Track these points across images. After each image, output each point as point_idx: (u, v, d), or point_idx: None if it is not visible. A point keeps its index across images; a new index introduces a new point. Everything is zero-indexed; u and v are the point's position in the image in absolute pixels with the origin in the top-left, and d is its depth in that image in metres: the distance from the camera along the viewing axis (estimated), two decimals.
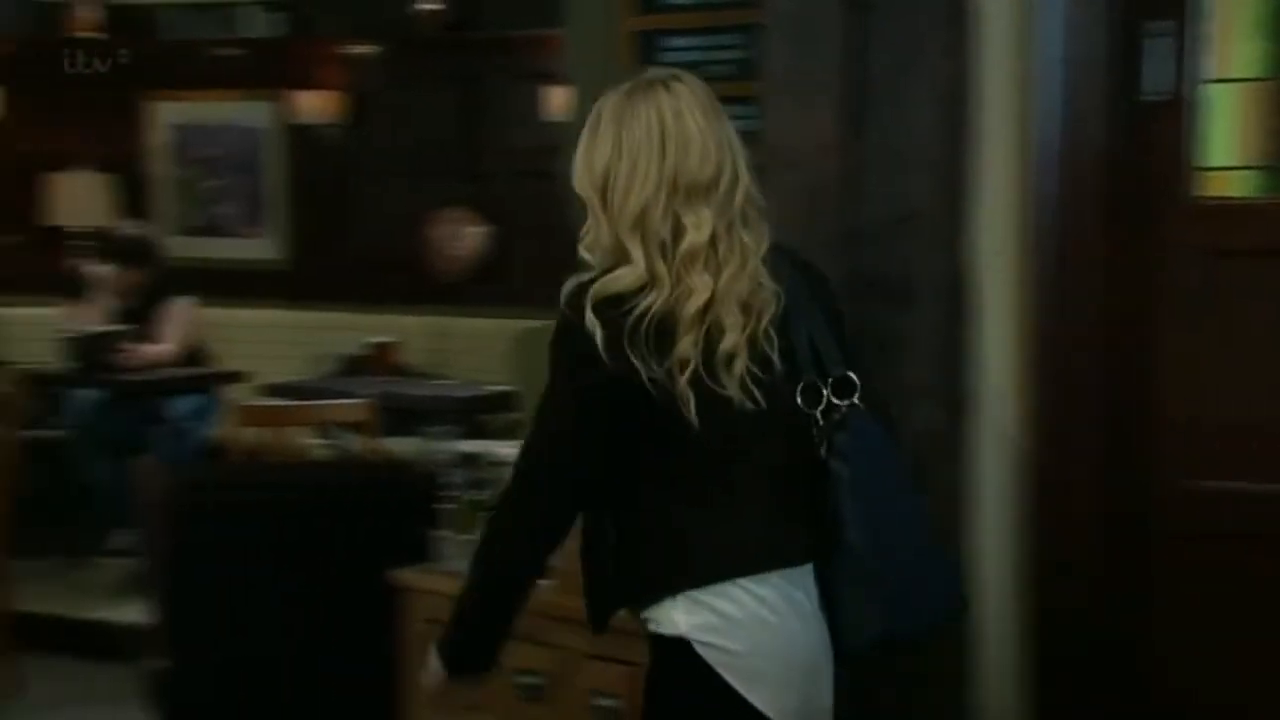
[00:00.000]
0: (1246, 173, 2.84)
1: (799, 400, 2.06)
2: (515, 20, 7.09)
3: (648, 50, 3.36)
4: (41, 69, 7.56)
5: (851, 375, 2.09)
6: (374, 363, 7.07)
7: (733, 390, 2.02)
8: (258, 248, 7.59)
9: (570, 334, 2.03)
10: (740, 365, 2.02)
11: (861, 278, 2.86)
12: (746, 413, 2.02)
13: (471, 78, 7.43)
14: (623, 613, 2.16)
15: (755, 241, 2.06)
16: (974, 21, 2.81)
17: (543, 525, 2.11)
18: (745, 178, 2.06)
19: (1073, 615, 2.87)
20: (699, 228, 2.01)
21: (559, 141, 7.11)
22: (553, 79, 7.10)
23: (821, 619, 2.09)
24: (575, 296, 2.03)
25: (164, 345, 6.17)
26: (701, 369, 2.01)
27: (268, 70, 7.61)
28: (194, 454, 5.93)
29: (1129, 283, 2.86)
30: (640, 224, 2.02)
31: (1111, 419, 2.88)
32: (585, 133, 2.09)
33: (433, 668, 2.25)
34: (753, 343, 2.03)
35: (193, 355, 6.30)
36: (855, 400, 2.07)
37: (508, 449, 3.71)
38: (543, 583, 2.97)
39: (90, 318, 6.16)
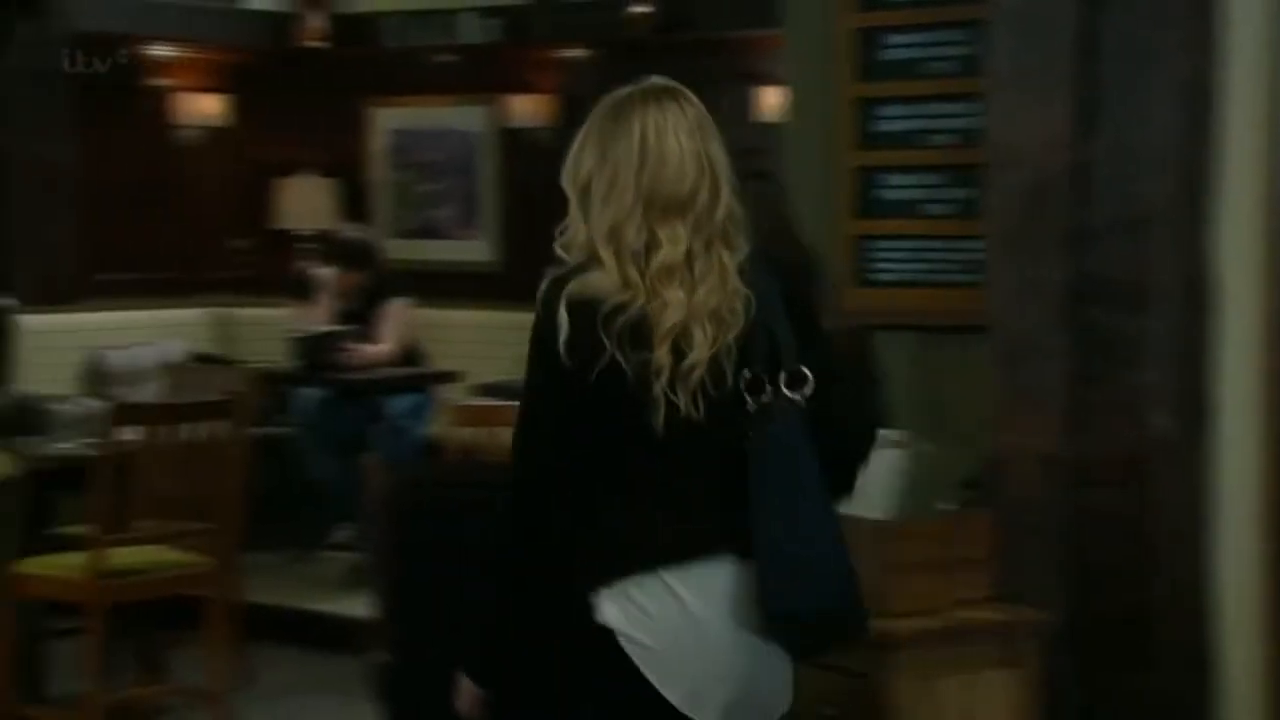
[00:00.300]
0: None
1: (743, 391, 2.11)
2: (727, 21, 7.07)
3: (867, 48, 3.30)
4: (270, 78, 7.86)
5: (804, 370, 2.12)
6: None
7: (682, 400, 2.08)
8: (471, 249, 7.74)
9: (543, 331, 2.10)
10: (696, 378, 2.08)
11: (1089, 279, 2.77)
12: (689, 419, 2.09)
13: (683, 79, 7.38)
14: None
15: (734, 258, 2.11)
16: (1220, 16, 2.68)
17: (538, 523, 2.15)
18: (726, 195, 2.11)
19: None
20: (674, 243, 2.08)
21: (771, 142, 7.11)
22: (764, 79, 7.07)
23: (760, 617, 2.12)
24: (550, 294, 2.09)
25: (383, 345, 6.34)
26: (673, 378, 2.08)
27: (483, 75, 7.76)
28: (411, 452, 6.07)
29: None
30: (615, 235, 2.08)
31: None
32: (580, 133, 2.15)
33: (464, 688, 2.27)
34: (714, 358, 2.09)
35: (409, 355, 6.46)
36: (797, 395, 2.11)
37: None
38: None
39: (315, 318, 6.37)
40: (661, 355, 2.06)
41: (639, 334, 2.07)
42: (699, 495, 2.13)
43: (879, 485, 2.87)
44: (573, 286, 2.08)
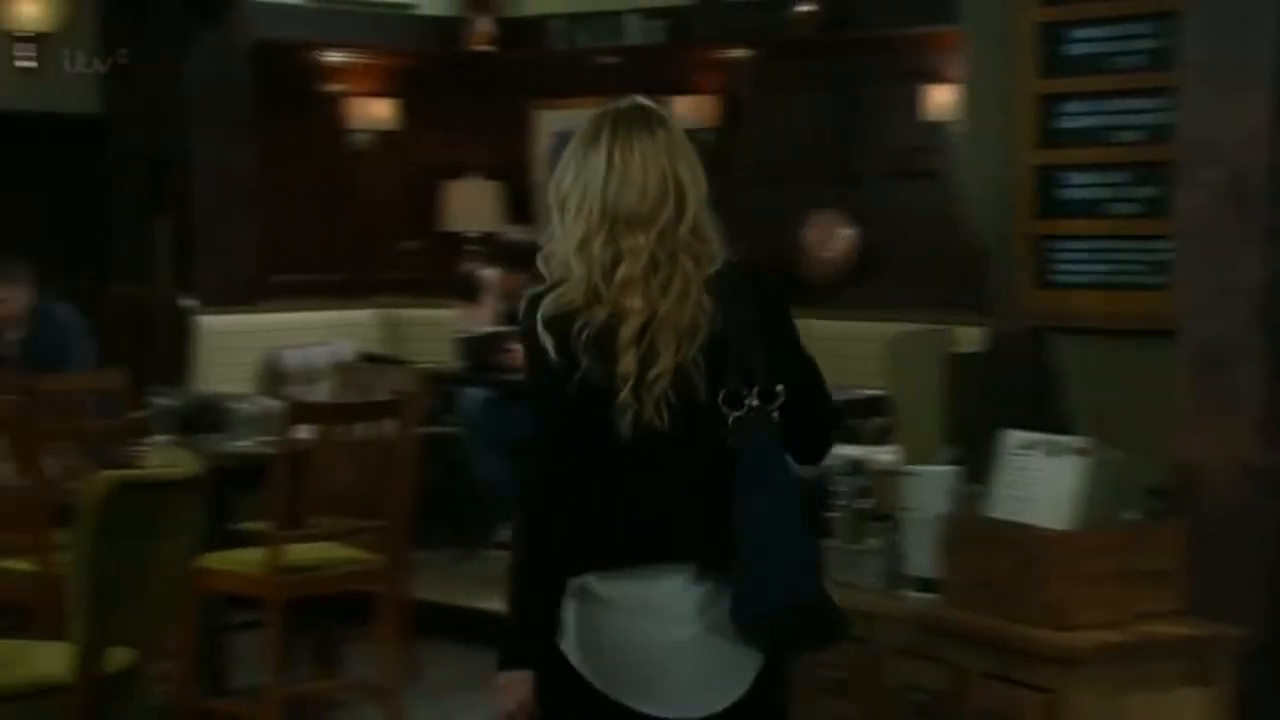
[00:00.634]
0: None
1: (720, 403, 2.21)
2: (893, 19, 6.98)
3: (1051, 42, 3.21)
4: (438, 82, 7.99)
5: (776, 389, 2.22)
6: None
7: (646, 409, 2.20)
8: None
9: (528, 343, 2.26)
10: (660, 388, 2.20)
11: None
12: (652, 428, 2.20)
13: (847, 78, 7.36)
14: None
15: (699, 269, 2.23)
16: None
17: (553, 499, 2.26)
18: (691, 211, 2.24)
19: None
20: (636, 256, 2.21)
21: (939, 141, 7.00)
22: (932, 77, 6.95)
23: (726, 622, 2.20)
24: (529, 310, 2.25)
25: None
26: (637, 386, 2.19)
27: (646, 77, 7.77)
28: None
29: None
30: (583, 248, 2.22)
31: None
32: (566, 150, 2.30)
33: (497, 684, 2.33)
34: (679, 367, 2.20)
35: None
36: (770, 409, 2.21)
37: (888, 455, 3.64)
38: (927, 596, 2.92)
39: (481, 319, 6.44)
40: (627, 363, 2.19)
41: (605, 343, 2.20)
42: (661, 501, 2.23)
43: (1061, 494, 2.79)
44: (546, 303, 2.23)
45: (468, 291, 6.61)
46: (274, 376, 6.99)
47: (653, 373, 2.19)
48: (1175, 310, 2.94)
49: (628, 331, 2.19)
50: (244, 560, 4.37)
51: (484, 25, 7.96)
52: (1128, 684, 2.68)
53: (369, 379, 5.43)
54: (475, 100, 7.95)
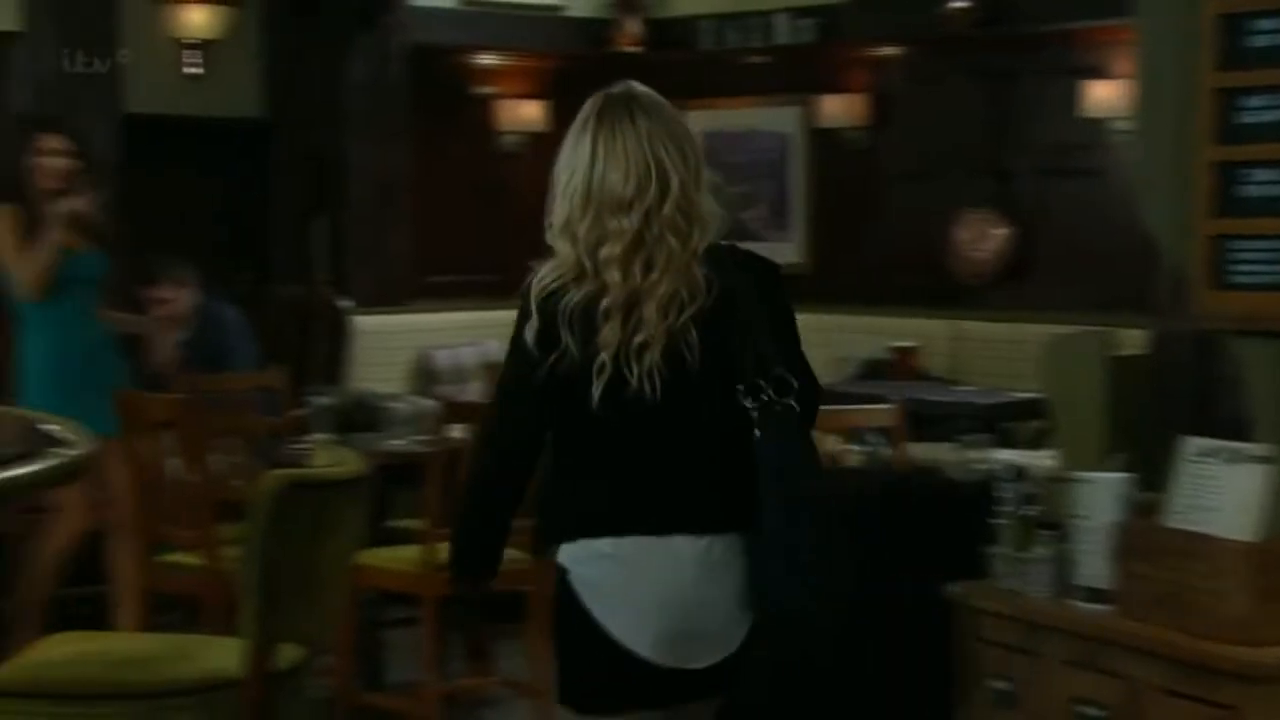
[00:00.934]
0: None
1: (741, 393, 2.32)
2: (1051, 14, 6.82)
3: (1231, 34, 3.08)
4: (587, 83, 8.01)
5: (788, 377, 2.33)
6: (894, 367, 7.01)
7: (635, 380, 2.30)
8: (783, 251, 7.70)
9: (521, 318, 2.38)
10: (650, 359, 2.31)
11: None
12: (645, 400, 2.31)
13: (1002, 75, 7.21)
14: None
15: (684, 246, 2.33)
16: None
17: (503, 447, 2.46)
18: (676, 191, 2.34)
19: None
20: (620, 235, 2.32)
21: (1099, 138, 6.82)
22: (1091, 73, 6.78)
23: (716, 578, 2.33)
24: (526, 287, 2.38)
25: None
26: (620, 356, 2.31)
27: (795, 76, 7.72)
28: None
29: None
30: (569, 228, 2.35)
31: None
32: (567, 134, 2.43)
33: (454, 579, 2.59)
34: (670, 338, 2.31)
35: None
36: (790, 400, 2.33)
37: (1048, 460, 3.54)
38: (1099, 607, 2.83)
39: None
40: (607, 333, 2.31)
41: (589, 316, 2.32)
42: (658, 471, 2.34)
43: (1244, 503, 2.69)
44: (535, 282, 2.36)
45: None
46: (425, 376, 7.08)
47: (638, 340, 2.31)
48: None
49: (608, 303, 2.31)
50: (400, 557, 4.43)
51: (632, 26, 7.97)
52: None
53: None
54: None
